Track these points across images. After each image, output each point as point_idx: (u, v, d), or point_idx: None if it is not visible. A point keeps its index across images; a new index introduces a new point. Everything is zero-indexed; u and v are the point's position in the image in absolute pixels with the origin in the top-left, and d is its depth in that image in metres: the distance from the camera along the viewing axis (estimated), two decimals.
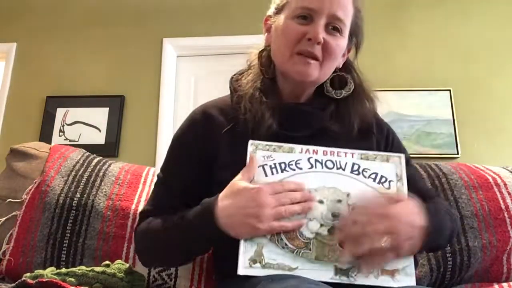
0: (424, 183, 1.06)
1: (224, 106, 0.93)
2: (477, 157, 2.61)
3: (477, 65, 2.85)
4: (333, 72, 0.92)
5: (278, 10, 0.91)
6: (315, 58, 0.85)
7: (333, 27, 0.86)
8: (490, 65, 2.85)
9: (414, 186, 0.85)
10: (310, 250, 0.72)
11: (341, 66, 0.94)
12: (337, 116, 0.92)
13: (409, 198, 0.77)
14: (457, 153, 2.67)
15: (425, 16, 2.96)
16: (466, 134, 2.72)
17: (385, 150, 0.94)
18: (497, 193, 1.13)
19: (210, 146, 0.89)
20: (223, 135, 0.89)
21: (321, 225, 0.74)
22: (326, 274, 0.70)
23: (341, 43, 0.87)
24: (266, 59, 0.94)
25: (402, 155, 0.82)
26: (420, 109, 2.77)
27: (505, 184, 1.15)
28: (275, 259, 0.70)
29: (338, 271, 0.71)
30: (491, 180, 1.16)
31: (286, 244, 0.72)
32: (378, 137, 0.96)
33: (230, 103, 0.93)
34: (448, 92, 2.79)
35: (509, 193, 1.13)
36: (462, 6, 2.96)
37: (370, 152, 0.81)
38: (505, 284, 1.02)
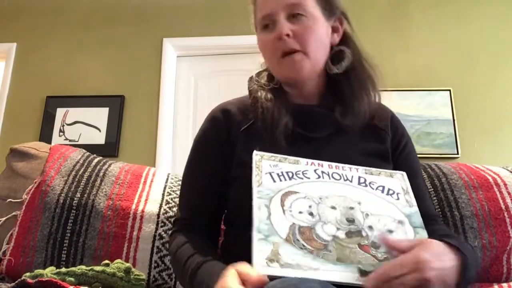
0: (430, 203, 0.99)
1: (242, 106, 0.95)
2: (477, 157, 2.61)
3: (477, 65, 2.85)
4: (331, 50, 0.94)
5: (255, 27, 0.96)
6: (295, 51, 0.87)
7: (294, 15, 0.88)
8: (490, 65, 2.85)
9: (419, 203, 0.83)
10: (330, 251, 0.67)
11: (337, 42, 0.95)
12: (346, 107, 0.91)
13: (431, 240, 0.71)
14: (457, 153, 2.67)
15: (425, 17, 2.97)
16: (466, 134, 2.72)
17: (394, 153, 0.94)
18: (497, 193, 1.13)
19: (230, 142, 0.90)
20: (241, 133, 0.90)
21: (338, 228, 0.71)
22: (350, 276, 0.66)
23: (309, 23, 0.89)
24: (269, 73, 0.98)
25: (404, 173, 0.84)
26: (420, 109, 2.77)
27: (505, 184, 1.15)
28: (294, 259, 0.65)
29: (363, 273, 0.66)
30: (491, 180, 1.16)
31: (303, 245, 0.67)
32: (392, 140, 0.95)
33: (248, 103, 0.94)
34: (448, 92, 2.79)
35: (509, 193, 1.13)
36: (462, 6, 2.97)
37: (374, 169, 0.83)
38: (505, 284, 1.01)
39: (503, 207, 1.10)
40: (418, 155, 1.01)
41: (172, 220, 1.10)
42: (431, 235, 0.80)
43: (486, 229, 1.08)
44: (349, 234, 0.71)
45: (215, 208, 0.91)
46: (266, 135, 0.85)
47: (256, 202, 0.72)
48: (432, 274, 0.64)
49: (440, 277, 0.65)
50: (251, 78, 0.99)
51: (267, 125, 0.87)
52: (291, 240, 0.68)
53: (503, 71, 2.84)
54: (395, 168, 0.92)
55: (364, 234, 0.72)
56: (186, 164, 0.95)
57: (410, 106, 2.78)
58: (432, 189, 1.15)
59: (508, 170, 1.22)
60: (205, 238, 0.87)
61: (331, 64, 0.93)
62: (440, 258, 0.67)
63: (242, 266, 0.63)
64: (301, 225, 0.70)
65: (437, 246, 0.69)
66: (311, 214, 0.72)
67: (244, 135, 0.89)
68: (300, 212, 0.72)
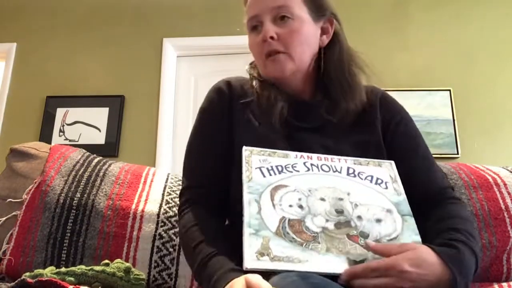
0: (438, 176, 0.93)
1: (244, 85, 0.96)
2: (477, 157, 2.61)
3: (477, 65, 2.86)
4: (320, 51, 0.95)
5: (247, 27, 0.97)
6: (278, 52, 0.88)
7: (281, 17, 0.89)
8: (490, 65, 2.85)
9: (427, 180, 0.84)
10: (319, 243, 0.69)
11: (326, 43, 0.95)
12: (333, 106, 0.91)
13: (425, 247, 0.70)
14: (457, 153, 2.68)
15: (425, 16, 2.97)
16: (466, 134, 2.72)
17: (386, 133, 0.93)
18: (497, 193, 1.13)
19: (231, 117, 0.91)
20: (240, 114, 0.90)
21: (327, 220, 0.72)
22: (339, 266, 0.67)
23: (295, 26, 0.89)
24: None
25: (392, 162, 0.85)
26: (420, 109, 2.77)
27: (505, 184, 1.15)
28: (284, 252, 0.67)
29: (351, 263, 0.68)
30: (491, 180, 1.16)
31: (293, 238, 0.69)
32: (382, 121, 0.94)
33: (248, 85, 0.96)
34: (448, 92, 2.79)
35: (509, 193, 1.13)
36: (462, 6, 2.97)
37: (362, 159, 0.84)
38: (505, 284, 1.01)
39: (503, 207, 1.10)
40: None
41: (172, 219, 1.10)
42: (435, 225, 0.80)
43: (486, 229, 1.08)
44: (338, 225, 0.73)
45: (223, 174, 0.89)
46: (262, 119, 0.86)
47: (246, 198, 0.73)
48: (408, 285, 0.66)
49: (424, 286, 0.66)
50: (250, 64, 1.01)
51: (262, 110, 0.88)
52: (281, 234, 0.69)
53: (503, 71, 2.84)
54: (393, 147, 0.91)
55: (353, 224, 0.73)
56: (192, 132, 0.95)
57: (410, 106, 2.77)
58: None
59: (508, 170, 1.22)
60: (216, 213, 0.86)
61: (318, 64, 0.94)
62: (423, 272, 0.66)
63: (254, 277, 0.61)
64: (291, 218, 0.72)
65: (427, 256, 0.68)
66: (300, 206, 0.74)
67: (242, 118, 0.90)
68: (290, 206, 0.73)
